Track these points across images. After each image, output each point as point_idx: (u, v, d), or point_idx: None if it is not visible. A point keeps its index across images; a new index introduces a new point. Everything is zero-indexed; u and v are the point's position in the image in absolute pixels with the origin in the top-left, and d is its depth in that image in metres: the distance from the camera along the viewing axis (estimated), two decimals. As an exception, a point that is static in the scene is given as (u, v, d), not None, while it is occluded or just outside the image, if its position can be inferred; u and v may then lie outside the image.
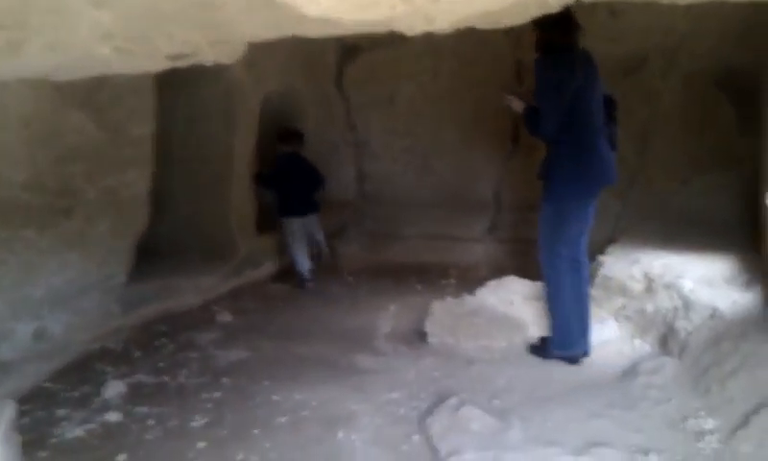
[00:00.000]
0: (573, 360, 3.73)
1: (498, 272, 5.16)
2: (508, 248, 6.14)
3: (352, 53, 6.58)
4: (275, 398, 3.54)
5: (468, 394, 3.37)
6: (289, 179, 5.73)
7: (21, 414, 3.34)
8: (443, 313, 4.11)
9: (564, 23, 3.56)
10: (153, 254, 5.40)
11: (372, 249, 6.59)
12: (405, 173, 6.74)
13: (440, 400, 3.32)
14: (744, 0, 3.31)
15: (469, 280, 5.62)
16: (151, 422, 3.35)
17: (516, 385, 3.48)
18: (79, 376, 3.94)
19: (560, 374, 3.62)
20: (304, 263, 5.78)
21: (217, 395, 3.63)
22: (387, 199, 6.81)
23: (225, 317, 4.94)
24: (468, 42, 5.66)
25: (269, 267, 5.91)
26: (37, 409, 3.51)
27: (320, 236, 5.96)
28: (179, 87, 5.18)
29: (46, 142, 3.62)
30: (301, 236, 5.79)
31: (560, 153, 3.74)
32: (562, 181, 3.73)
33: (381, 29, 2.20)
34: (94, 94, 3.88)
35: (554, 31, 3.63)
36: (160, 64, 2.21)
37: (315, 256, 5.94)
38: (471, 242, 6.40)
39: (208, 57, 2.24)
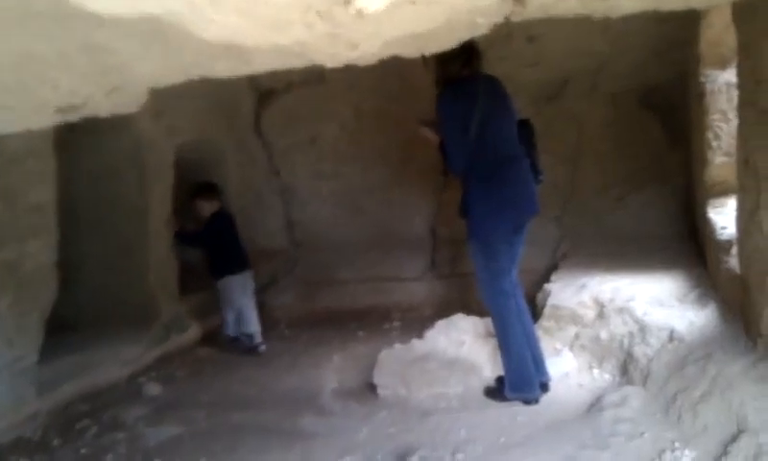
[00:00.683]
0: (531, 401, 3.52)
1: (443, 310, 4.96)
2: (450, 283, 5.97)
3: (268, 96, 6.34)
4: (213, 478, 3.17)
5: (429, 449, 3.11)
6: (221, 236, 5.33)
7: None
8: (391, 362, 3.86)
9: (463, 54, 3.43)
10: (67, 328, 4.96)
11: (307, 297, 6.31)
12: (335, 216, 6.51)
13: (399, 459, 3.04)
14: (666, 14, 3.29)
15: (414, 322, 5.43)
16: (72, 525, 2.93)
17: (478, 434, 3.24)
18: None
19: (523, 416, 3.41)
20: (252, 321, 5.34)
21: (148, 482, 3.23)
22: (319, 244, 6.55)
23: (152, 389, 4.53)
24: (388, 78, 5.58)
25: (195, 330, 5.50)
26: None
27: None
28: (80, 144, 4.81)
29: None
30: (243, 294, 5.33)
31: (473, 188, 3.60)
32: (479, 217, 3.59)
33: (297, 61, 1.95)
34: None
35: (453, 63, 3.51)
36: (49, 119, 1.90)
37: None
38: (411, 281, 6.21)
39: (104, 107, 1.94)
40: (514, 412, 3.47)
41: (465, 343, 4.00)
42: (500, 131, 3.60)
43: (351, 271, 6.36)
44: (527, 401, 3.53)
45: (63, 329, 4.90)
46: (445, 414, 3.54)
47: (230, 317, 5.33)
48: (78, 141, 4.84)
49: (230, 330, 5.34)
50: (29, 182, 3.83)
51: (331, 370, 4.58)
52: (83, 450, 3.68)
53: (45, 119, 1.91)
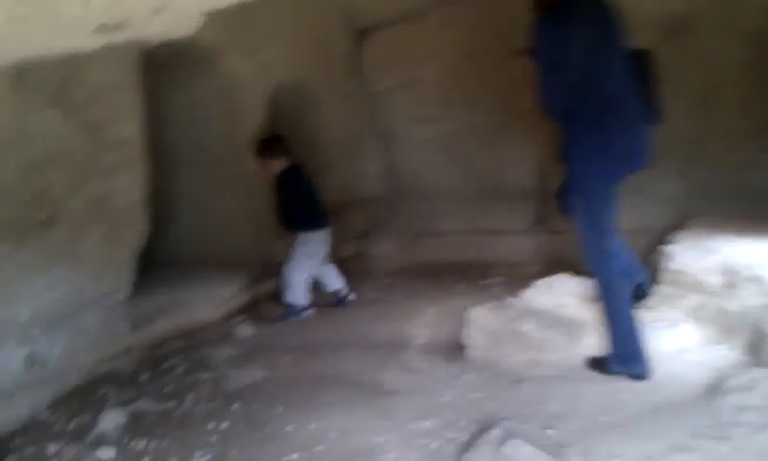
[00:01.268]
0: (639, 377, 3.11)
1: (550, 268, 4.56)
2: (560, 239, 5.50)
3: (366, 34, 6.04)
4: (287, 428, 3.06)
5: (516, 422, 2.82)
6: (296, 192, 4.92)
7: (9, 451, 3.06)
8: (484, 321, 3.56)
9: None
10: (163, 266, 5.03)
11: (406, 248, 6.10)
12: (437, 162, 6.21)
13: (481, 429, 2.78)
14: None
15: (517, 279, 5.09)
16: (146, 459, 2.90)
17: (574, 410, 2.90)
18: (78, 404, 3.58)
19: (628, 393, 3.03)
20: (335, 278, 5.07)
21: (224, 425, 3.18)
22: (420, 192, 6.30)
23: (243, 331, 4.53)
24: (493, 15, 5.14)
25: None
26: (28, 444, 3.14)
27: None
28: (172, 81, 4.77)
29: (12, 148, 3.19)
30: (321, 254, 4.98)
31: (572, 132, 3.16)
32: (579, 166, 3.16)
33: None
34: (66, 93, 3.46)
35: None
36: (91, 39, 1.72)
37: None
38: (517, 235, 5.84)
39: (153, 29, 1.74)
40: (617, 388, 3.09)
41: (567, 306, 3.63)
42: (608, 66, 3.13)
43: (453, 222, 6.08)
44: (634, 377, 3.13)
45: (159, 267, 5.01)
46: (539, 383, 3.22)
47: (299, 280, 4.88)
48: (169, 78, 4.81)
49: (296, 298, 4.88)
50: (113, 117, 3.81)
51: (423, 324, 4.36)
52: (167, 388, 3.69)
53: (86, 39, 1.74)
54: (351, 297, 5.08)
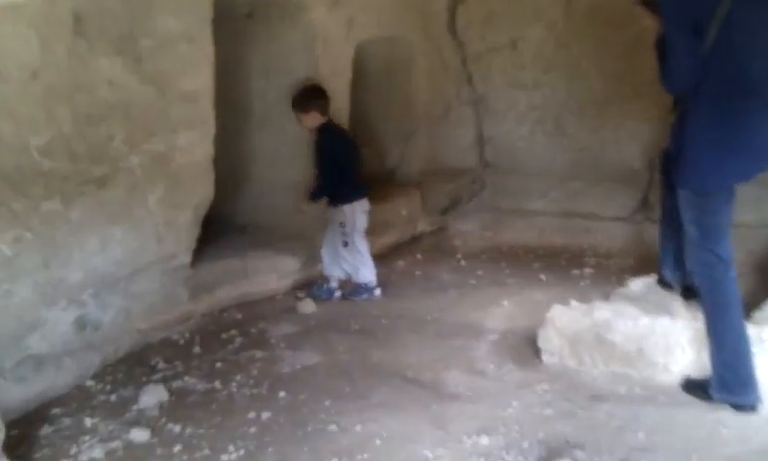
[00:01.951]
0: (746, 408, 2.63)
1: (650, 263, 4.03)
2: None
3: (465, -11, 5.58)
4: (331, 427, 2.82)
5: (590, 451, 2.43)
6: (333, 155, 4.41)
7: (47, 421, 2.99)
8: (565, 323, 3.15)
9: None
10: (234, 230, 4.89)
11: (491, 226, 5.69)
12: (533, 136, 5.72)
13: (548, 456, 2.40)
14: None
15: (610, 272, 4.64)
16: (178, 448, 2.75)
17: (662, 442, 2.48)
18: (125, 373, 3.51)
19: (730, 427, 2.56)
20: (370, 267, 4.51)
21: (266, 415, 2.97)
22: (511, 166, 5.83)
23: (307, 306, 4.31)
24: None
25: (366, 246, 5.13)
26: (66, 416, 3.07)
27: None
28: (254, 33, 4.54)
29: (67, 96, 3.04)
30: (359, 227, 4.46)
31: (696, 115, 2.65)
32: (698, 155, 2.66)
33: None
34: (130, 41, 3.28)
35: None
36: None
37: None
38: (615, 222, 5.30)
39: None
40: (717, 419, 2.62)
41: (665, 313, 3.14)
42: (753, 42, 2.59)
43: (545, 202, 5.63)
44: (739, 407, 2.65)
45: (231, 231, 4.86)
46: (623, 404, 2.79)
47: (366, 257, 4.49)
48: (252, 30, 4.59)
49: (368, 276, 4.48)
50: (182, 69, 3.62)
51: (497, 317, 3.98)
52: (218, 364, 3.55)
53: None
54: (377, 293, 4.49)
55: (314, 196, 4.48)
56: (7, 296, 3.05)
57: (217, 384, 3.31)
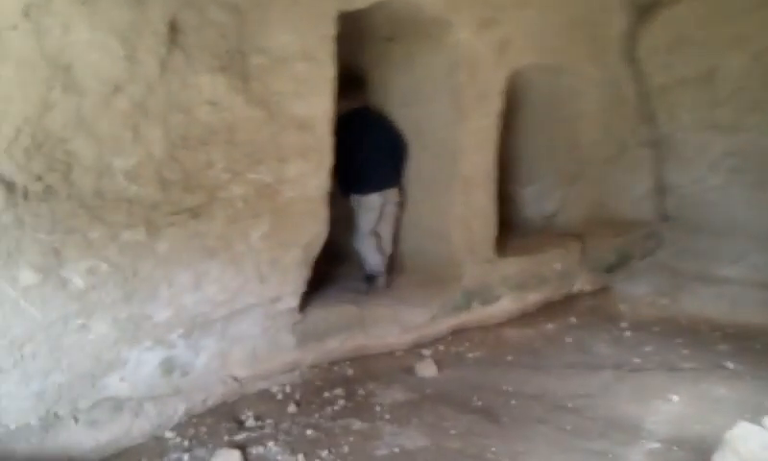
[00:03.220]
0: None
1: None
2: None
3: (651, 10, 4.76)
4: None
5: None
6: (360, 140, 4.13)
7: None
8: (753, 451, 2.25)
9: None
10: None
11: (668, 293, 4.82)
12: (728, 187, 4.81)
13: None
14: None
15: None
16: None
17: None
18: (210, 427, 3.14)
19: None
20: (374, 256, 4.34)
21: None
22: (696, 223, 4.96)
23: (427, 370, 3.71)
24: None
25: (509, 303, 4.46)
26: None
27: (388, 227, 4.39)
28: (394, 57, 4.08)
29: (160, 117, 2.74)
30: (375, 219, 4.27)
31: None
32: None
33: None
34: (239, 57, 2.93)
35: None
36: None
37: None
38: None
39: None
40: None
41: None
42: None
43: (740, 268, 4.70)
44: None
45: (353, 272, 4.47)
46: None
47: (364, 247, 4.33)
48: (392, 53, 4.15)
49: (373, 265, 4.36)
50: (296, 91, 3.24)
51: (662, 416, 3.12)
52: (309, 431, 3.08)
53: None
54: (381, 283, 4.33)
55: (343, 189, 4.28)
56: (82, 331, 2.80)
57: (300, 459, 2.81)
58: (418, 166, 4.25)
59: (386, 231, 4.35)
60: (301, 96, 3.23)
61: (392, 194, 4.28)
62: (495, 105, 4.18)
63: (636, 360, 3.86)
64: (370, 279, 4.34)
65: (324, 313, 3.82)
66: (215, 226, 3.10)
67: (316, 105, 3.29)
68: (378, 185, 4.18)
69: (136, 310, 2.94)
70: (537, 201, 5.32)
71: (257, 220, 3.25)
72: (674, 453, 2.77)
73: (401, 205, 4.36)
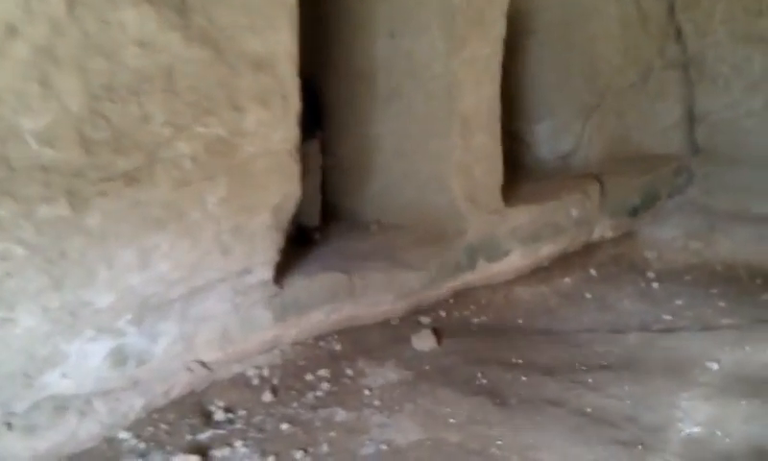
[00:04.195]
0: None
1: None
2: None
3: None
4: None
5: None
6: None
7: None
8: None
9: None
10: (353, 233, 4.05)
11: (700, 236, 4.32)
12: (770, 112, 4.21)
13: None
14: None
15: None
16: None
17: None
18: (172, 424, 2.72)
19: None
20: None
21: None
22: (734, 155, 4.44)
23: (425, 342, 3.26)
24: None
25: (519, 258, 3.98)
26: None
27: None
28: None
29: (76, 64, 2.28)
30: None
31: None
32: None
33: None
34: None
35: None
36: None
37: None
38: None
39: None
40: None
41: None
42: None
43: None
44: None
45: (351, 232, 4.03)
46: None
47: None
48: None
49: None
50: (250, 24, 2.71)
51: (701, 391, 2.65)
52: (284, 425, 2.66)
53: None
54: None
55: None
56: (5, 325, 2.37)
57: (269, 463, 2.40)
58: (411, 109, 3.72)
59: None
60: (256, 30, 2.70)
61: None
62: (497, 29, 3.62)
63: (667, 317, 3.41)
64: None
65: (305, 283, 3.36)
66: (159, 192, 2.63)
67: (274, 40, 2.77)
68: None
69: (70, 297, 2.50)
70: (550, 139, 4.80)
71: (212, 182, 2.78)
72: (718, 440, 2.31)
73: None
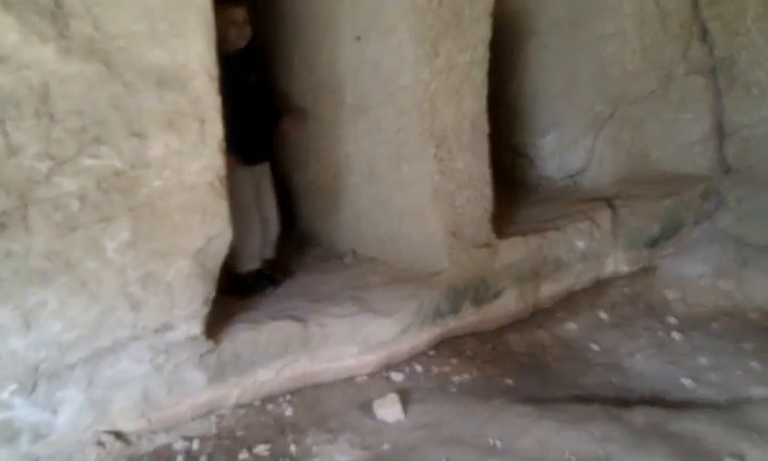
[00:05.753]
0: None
1: None
2: None
3: None
4: None
5: None
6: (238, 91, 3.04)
7: None
8: None
9: None
10: (325, 263, 3.61)
11: (732, 274, 3.76)
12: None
13: None
14: None
15: None
16: None
17: None
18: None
19: None
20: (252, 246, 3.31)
21: None
22: None
23: (388, 410, 2.74)
24: None
25: (511, 299, 3.41)
26: None
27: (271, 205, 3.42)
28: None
29: None
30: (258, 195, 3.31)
31: None
32: None
33: None
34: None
35: None
36: None
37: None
38: None
39: None
40: None
41: None
42: None
43: None
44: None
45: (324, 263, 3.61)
46: None
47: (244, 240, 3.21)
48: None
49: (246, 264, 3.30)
50: (150, 30, 2.24)
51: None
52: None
53: None
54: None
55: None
56: None
57: None
58: (380, 126, 3.19)
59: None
60: (158, 38, 2.19)
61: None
62: (480, 32, 3.07)
63: (686, 382, 2.86)
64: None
65: (250, 335, 2.88)
66: (37, 240, 2.16)
67: (183, 50, 2.25)
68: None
69: None
70: (557, 154, 4.26)
71: (110, 224, 2.29)
72: None
73: None
